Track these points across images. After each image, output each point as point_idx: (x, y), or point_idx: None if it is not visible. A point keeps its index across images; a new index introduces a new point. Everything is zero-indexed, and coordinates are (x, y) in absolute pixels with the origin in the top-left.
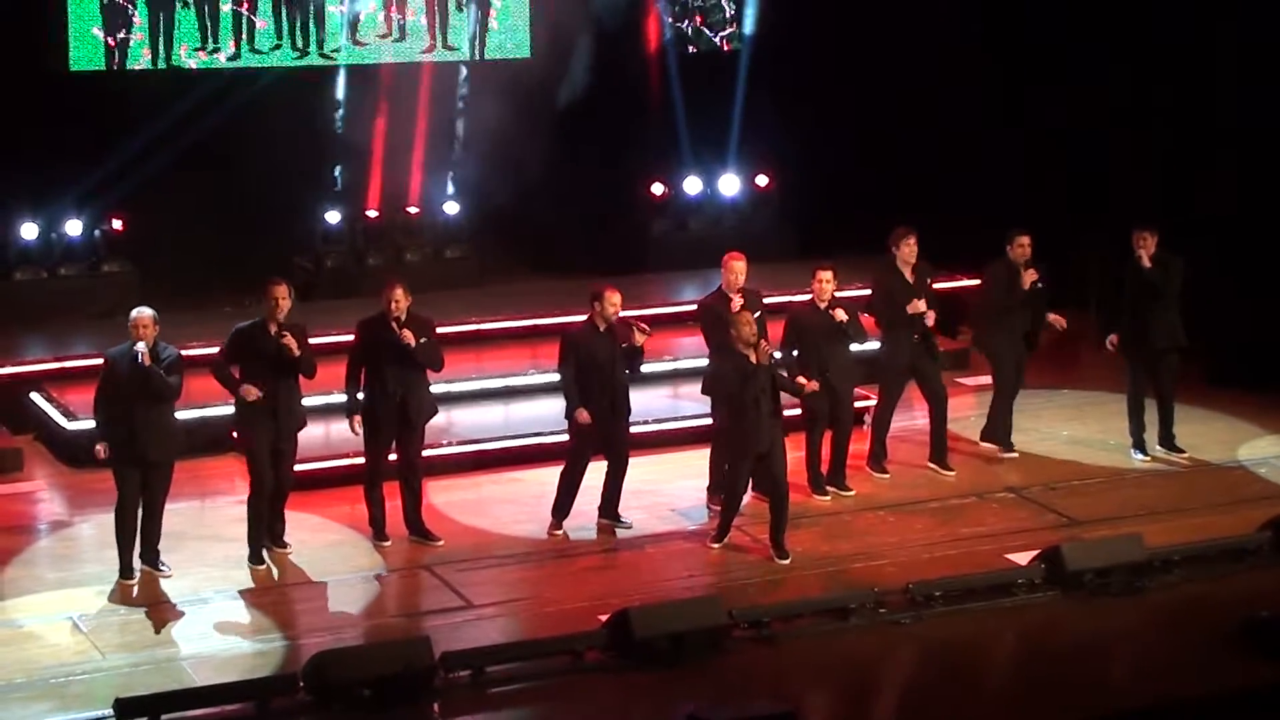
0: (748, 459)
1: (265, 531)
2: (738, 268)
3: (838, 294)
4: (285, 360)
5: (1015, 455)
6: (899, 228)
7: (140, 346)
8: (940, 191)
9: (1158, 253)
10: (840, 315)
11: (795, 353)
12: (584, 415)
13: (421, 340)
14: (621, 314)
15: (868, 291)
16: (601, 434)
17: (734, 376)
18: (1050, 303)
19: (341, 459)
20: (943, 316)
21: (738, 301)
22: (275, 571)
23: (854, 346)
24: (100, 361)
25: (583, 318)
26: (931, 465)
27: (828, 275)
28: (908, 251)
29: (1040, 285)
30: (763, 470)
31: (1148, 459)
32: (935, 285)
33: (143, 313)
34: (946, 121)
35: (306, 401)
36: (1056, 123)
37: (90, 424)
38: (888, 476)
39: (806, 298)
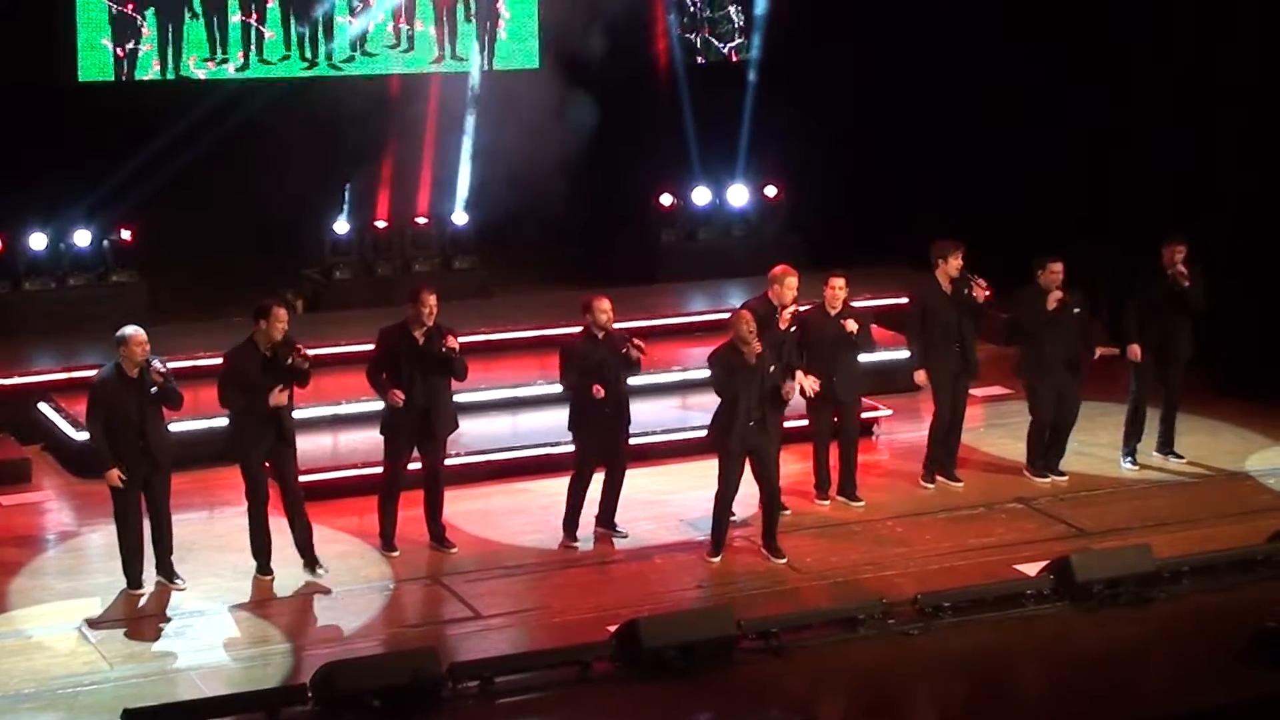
0: (731, 458)
1: (268, 542)
2: (794, 284)
3: (851, 304)
4: (295, 376)
5: (1047, 481)
6: (946, 241)
7: (156, 363)
8: (949, 202)
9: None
10: (850, 326)
11: (804, 357)
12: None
13: (457, 350)
14: (616, 326)
15: (884, 302)
16: (606, 443)
17: (723, 371)
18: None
19: (349, 470)
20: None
21: (789, 314)
22: (282, 582)
23: (862, 356)
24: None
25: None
26: (940, 478)
27: (840, 282)
28: (952, 266)
29: (1077, 311)
30: (753, 472)
31: (1137, 468)
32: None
33: (139, 332)
34: (955, 131)
35: (313, 413)
36: (1058, 127)
37: None
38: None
39: (817, 303)
